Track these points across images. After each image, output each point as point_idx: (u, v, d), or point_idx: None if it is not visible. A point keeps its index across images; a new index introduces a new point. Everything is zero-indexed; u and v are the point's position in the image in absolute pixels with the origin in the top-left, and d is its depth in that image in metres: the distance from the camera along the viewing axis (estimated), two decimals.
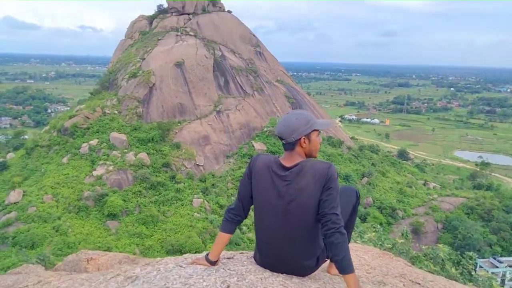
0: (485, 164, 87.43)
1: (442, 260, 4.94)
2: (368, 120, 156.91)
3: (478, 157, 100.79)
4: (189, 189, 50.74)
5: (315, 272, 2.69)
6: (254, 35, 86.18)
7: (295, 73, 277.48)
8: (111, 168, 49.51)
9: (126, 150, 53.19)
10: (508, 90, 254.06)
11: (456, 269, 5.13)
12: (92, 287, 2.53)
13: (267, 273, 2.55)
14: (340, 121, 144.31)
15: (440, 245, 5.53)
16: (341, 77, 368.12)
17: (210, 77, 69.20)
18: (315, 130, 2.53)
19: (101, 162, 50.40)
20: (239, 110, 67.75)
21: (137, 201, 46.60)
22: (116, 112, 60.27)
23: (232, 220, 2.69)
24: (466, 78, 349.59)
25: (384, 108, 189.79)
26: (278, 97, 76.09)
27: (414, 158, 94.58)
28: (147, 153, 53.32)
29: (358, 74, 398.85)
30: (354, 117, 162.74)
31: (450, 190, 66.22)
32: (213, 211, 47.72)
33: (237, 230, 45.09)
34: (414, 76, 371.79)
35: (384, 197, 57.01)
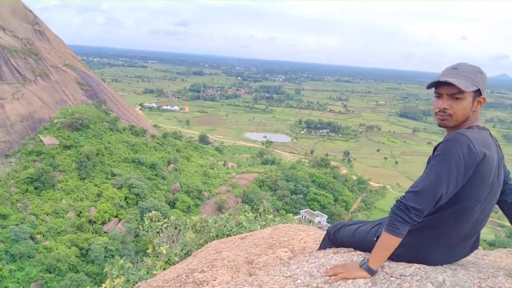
0: (269, 143, 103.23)
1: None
2: (169, 107, 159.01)
3: (263, 137, 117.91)
4: None
5: None
6: (30, 11, 73.09)
7: (85, 58, 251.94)
8: None
9: None
10: (280, 79, 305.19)
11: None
12: None
13: (446, 268, 2.15)
14: (141, 109, 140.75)
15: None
16: (137, 63, 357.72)
17: None
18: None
19: None
20: (18, 99, 56.69)
21: None
22: None
23: (413, 223, 2.01)
24: (249, 68, 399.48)
25: (182, 96, 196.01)
26: (68, 84, 67.59)
27: (213, 142, 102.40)
28: None
29: (155, 62, 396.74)
30: (154, 104, 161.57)
31: (245, 167, 75.14)
32: None
33: (30, 240, 38.39)
34: (206, 65, 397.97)
35: (191, 181, 59.57)
